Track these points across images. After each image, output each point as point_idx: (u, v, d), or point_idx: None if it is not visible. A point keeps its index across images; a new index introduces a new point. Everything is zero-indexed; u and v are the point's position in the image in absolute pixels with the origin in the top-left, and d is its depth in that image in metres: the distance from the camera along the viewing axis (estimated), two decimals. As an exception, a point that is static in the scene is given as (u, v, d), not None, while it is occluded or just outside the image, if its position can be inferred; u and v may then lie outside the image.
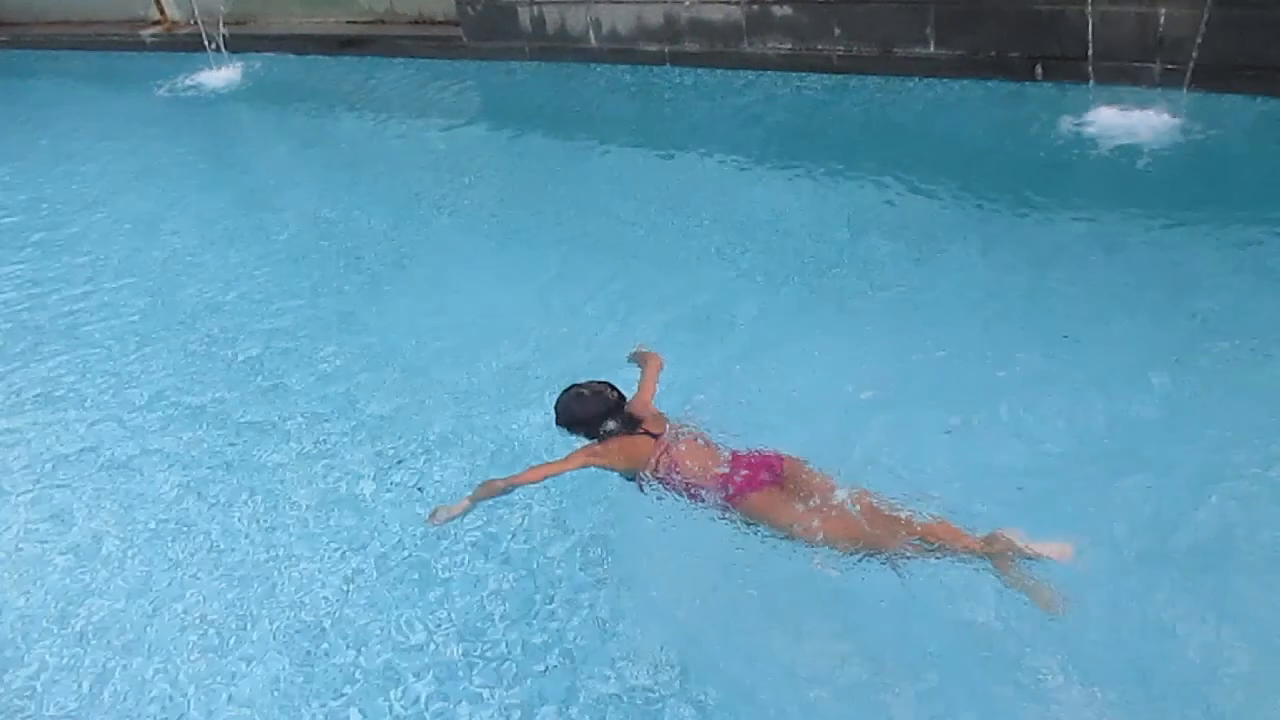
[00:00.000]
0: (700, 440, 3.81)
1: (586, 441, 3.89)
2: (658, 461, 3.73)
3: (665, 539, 3.75)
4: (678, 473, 3.69)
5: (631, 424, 3.85)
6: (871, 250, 5.65)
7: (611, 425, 3.84)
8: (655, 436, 3.81)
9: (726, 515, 3.62)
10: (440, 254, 6.43)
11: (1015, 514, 3.60)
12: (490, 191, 7.32)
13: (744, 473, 3.62)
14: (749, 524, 3.59)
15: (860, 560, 3.39)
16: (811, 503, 3.52)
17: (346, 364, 5.32)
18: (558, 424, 3.97)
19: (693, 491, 3.67)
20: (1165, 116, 6.38)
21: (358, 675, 3.57)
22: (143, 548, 4.28)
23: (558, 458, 3.95)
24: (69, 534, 4.43)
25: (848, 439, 4.09)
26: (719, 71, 8.56)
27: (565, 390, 3.97)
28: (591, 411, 3.86)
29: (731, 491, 3.59)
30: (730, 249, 5.92)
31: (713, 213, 6.39)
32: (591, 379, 4.01)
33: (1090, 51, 6.72)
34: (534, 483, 3.95)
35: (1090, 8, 6.58)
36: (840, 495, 3.52)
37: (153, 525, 4.40)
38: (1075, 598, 3.26)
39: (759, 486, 3.58)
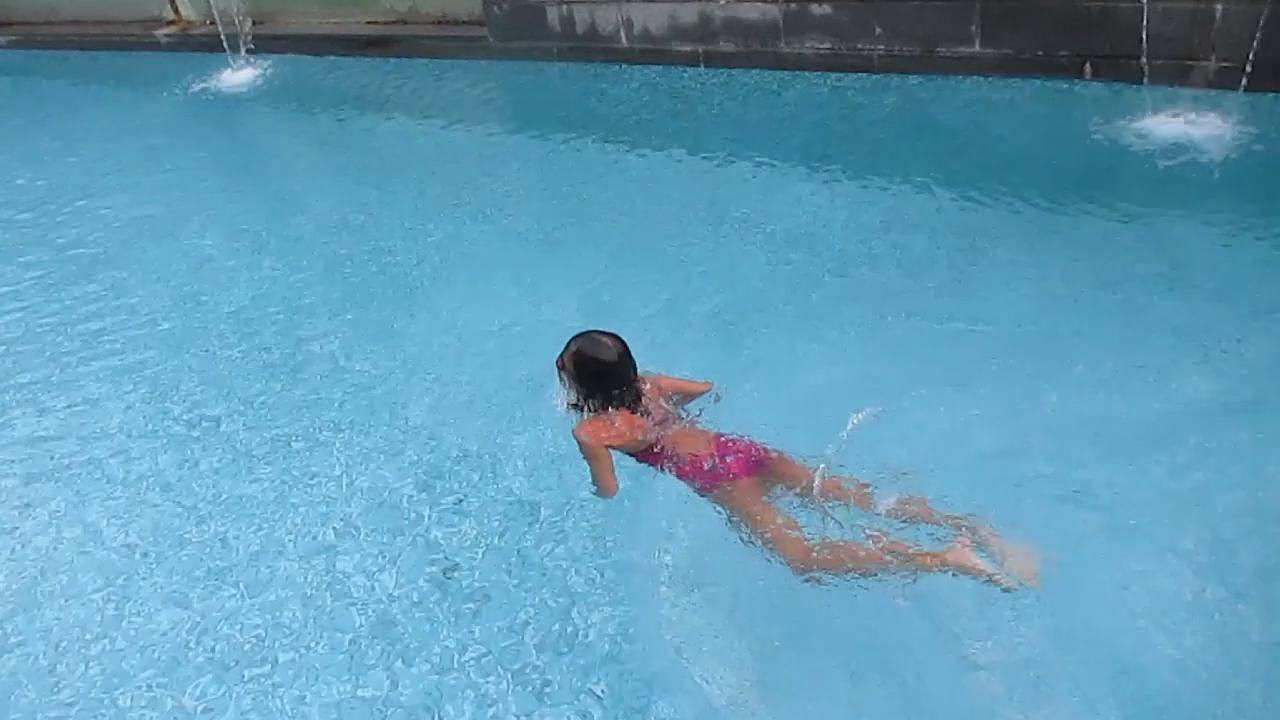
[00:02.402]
0: (692, 425, 3.86)
1: (582, 413, 3.80)
2: (655, 442, 3.77)
3: (713, 562, 3.84)
4: (671, 454, 3.74)
5: (636, 397, 3.80)
6: (915, 253, 5.74)
7: (621, 390, 3.73)
8: (653, 417, 3.83)
9: (708, 499, 3.70)
10: (472, 260, 6.53)
11: (1077, 527, 3.72)
12: (521, 195, 7.44)
13: (731, 459, 3.69)
14: (724, 511, 3.67)
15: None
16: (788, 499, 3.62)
17: (381, 373, 5.42)
18: (564, 367, 3.79)
19: (682, 473, 3.73)
20: (1220, 117, 6.45)
21: (400, 698, 3.63)
22: (176, 562, 4.36)
23: (595, 468, 3.84)
24: (100, 548, 4.50)
25: (890, 446, 4.10)
26: (754, 72, 8.69)
27: (579, 334, 3.79)
28: (609, 361, 3.70)
29: (721, 472, 3.65)
30: (770, 252, 6.02)
31: (751, 216, 6.49)
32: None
33: (1142, 49, 6.78)
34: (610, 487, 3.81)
35: (1144, 4, 6.65)
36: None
37: (186, 540, 4.48)
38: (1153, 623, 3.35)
39: (745, 472, 3.67)
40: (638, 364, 3.80)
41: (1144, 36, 6.73)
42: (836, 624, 3.52)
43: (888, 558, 3.37)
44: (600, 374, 3.70)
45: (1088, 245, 5.54)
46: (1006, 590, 3.28)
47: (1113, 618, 3.44)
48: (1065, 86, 7.33)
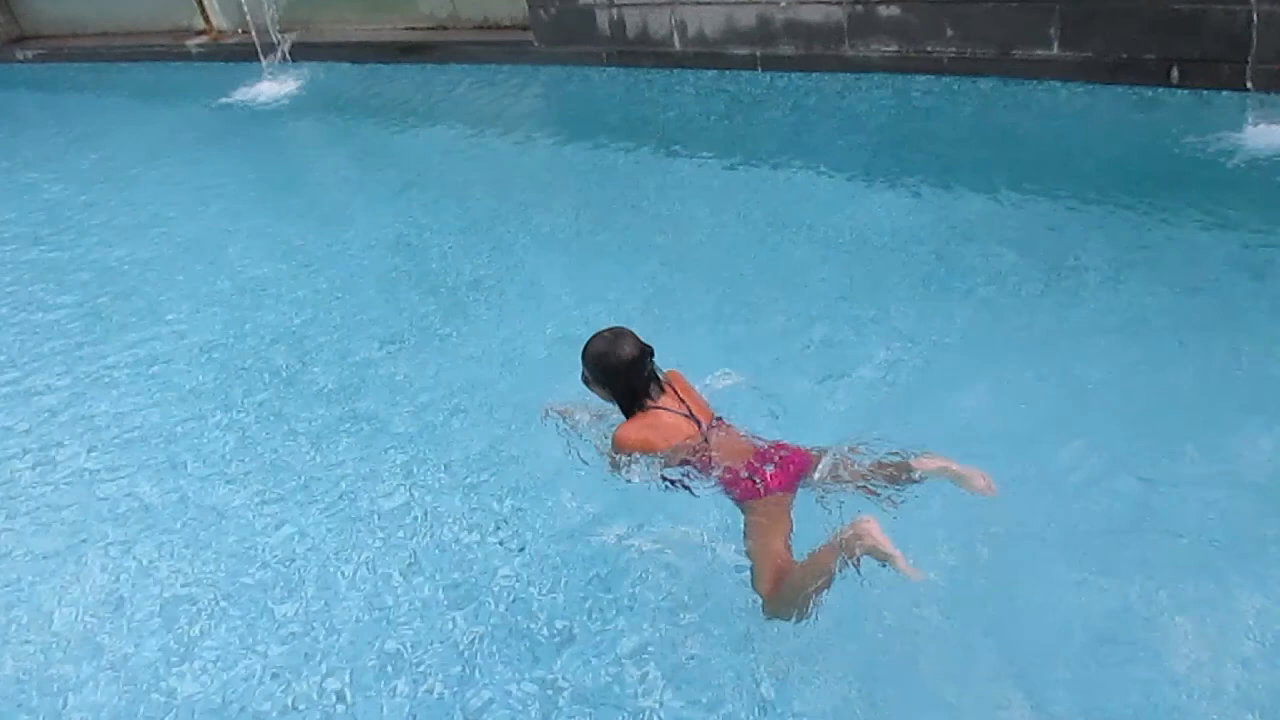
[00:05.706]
0: (734, 428, 3.89)
1: (614, 414, 3.85)
2: (698, 447, 3.77)
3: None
4: (713, 462, 3.74)
5: (661, 389, 3.85)
6: (991, 268, 5.61)
7: (649, 387, 3.79)
8: (698, 421, 3.84)
9: (741, 508, 3.72)
10: (524, 274, 6.47)
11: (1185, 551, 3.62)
12: (573, 205, 7.39)
13: (771, 468, 3.70)
14: (743, 523, 3.68)
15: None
16: None
17: (434, 395, 5.34)
18: (588, 379, 3.89)
19: (719, 480, 3.73)
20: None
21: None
22: (232, 599, 4.28)
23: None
24: (155, 587, 4.42)
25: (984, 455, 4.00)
26: (816, 75, 8.61)
27: (585, 344, 3.88)
28: (625, 355, 3.77)
29: (757, 489, 3.66)
30: (833, 264, 5.93)
31: (812, 225, 6.41)
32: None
33: (1247, 54, 6.63)
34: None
35: (1253, 5, 6.50)
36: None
37: (241, 575, 4.40)
38: None
39: (780, 487, 3.69)
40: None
41: (1253, 40, 6.55)
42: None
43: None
44: (621, 368, 3.78)
45: (1175, 269, 5.35)
46: (905, 575, 3.29)
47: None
48: (1150, 93, 7.18)
